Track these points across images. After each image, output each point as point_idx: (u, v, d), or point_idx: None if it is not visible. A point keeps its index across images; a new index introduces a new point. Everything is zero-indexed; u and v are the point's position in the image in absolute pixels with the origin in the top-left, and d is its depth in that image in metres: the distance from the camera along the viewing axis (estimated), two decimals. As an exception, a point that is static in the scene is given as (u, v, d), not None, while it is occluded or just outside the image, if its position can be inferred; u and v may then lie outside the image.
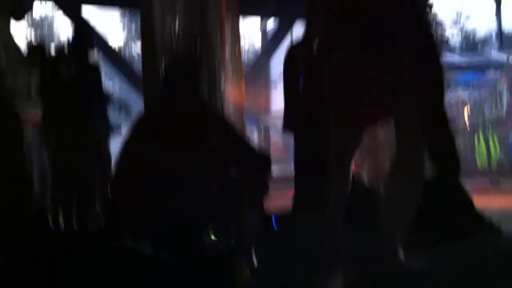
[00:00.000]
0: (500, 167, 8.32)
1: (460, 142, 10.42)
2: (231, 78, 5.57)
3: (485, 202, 4.75)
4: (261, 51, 9.77)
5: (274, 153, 10.53)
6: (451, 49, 28.38)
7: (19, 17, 3.31)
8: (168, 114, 2.45)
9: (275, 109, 11.51)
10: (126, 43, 37.38)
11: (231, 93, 5.54)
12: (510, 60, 15.50)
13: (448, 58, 25.94)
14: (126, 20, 33.54)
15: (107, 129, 5.52)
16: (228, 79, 5.48)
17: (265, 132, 11.85)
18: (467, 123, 11.73)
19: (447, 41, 28.26)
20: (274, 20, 8.81)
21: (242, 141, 2.51)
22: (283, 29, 8.32)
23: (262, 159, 2.48)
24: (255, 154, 2.50)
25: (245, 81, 6.14)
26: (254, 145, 2.54)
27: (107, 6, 8.40)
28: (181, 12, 4.66)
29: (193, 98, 2.50)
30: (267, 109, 11.19)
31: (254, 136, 11.00)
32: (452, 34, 28.73)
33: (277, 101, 10.78)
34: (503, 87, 13.38)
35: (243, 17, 8.75)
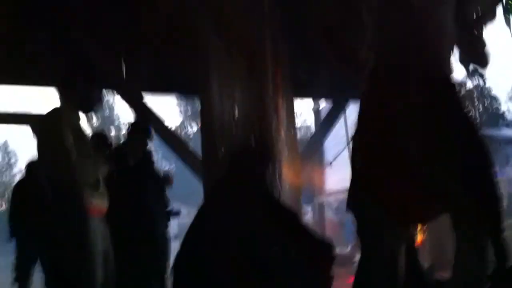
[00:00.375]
0: None
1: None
2: (288, 159, 5.67)
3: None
4: (315, 131, 9.90)
5: (328, 231, 10.48)
6: (509, 124, 27.89)
7: (88, 111, 3.41)
8: (233, 204, 2.49)
9: (329, 188, 11.55)
10: (182, 124, 38.40)
11: (288, 174, 5.64)
12: None
13: (506, 132, 25.45)
14: (182, 102, 34.67)
15: (166, 215, 5.66)
16: (284, 160, 5.59)
17: (320, 210, 11.87)
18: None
19: (503, 116, 27.80)
20: (327, 101, 8.96)
21: (305, 231, 2.51)
22: (336, 109, 8.44)
23: (325, 247, 2.46)
24: (318, 242, 2.49)
25: (301, 161, 6.23)
26: (316, 234, 2.53)
27: (167, 92, 8.75)
28: (240, 97, 4.85)
29: (259, 190, 2.55)
30: (321, 187, 11.22)
31: (309, 214, 10.99)
32: (509, 109, 28.34)
33: (331, 180, 10.80)
34: None
35: (297, 99, 8.95)
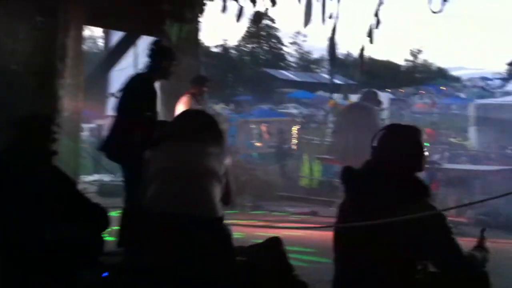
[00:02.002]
0: (319, 191, 8.31)
1: (289, 162, 11.00)
2: (71, 89, 5.50)
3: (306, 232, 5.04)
4: (102, 60, 9.60)
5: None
6: (287, 67, 29.73)
7: None
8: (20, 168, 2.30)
9: (110, 114, 11.79)
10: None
11: (70, 102, 5.49)
12: (337, 83, 16.35)
13: (284, 73, 27.17)
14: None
15: None
16: (68, 89, 5.41)
17: (100, 130, 12.24)
18: (296, 142, 12.45)
19: (284, 58, 29.52)
20: (117, 33, 8.64)
21: (81, 199, 2.46)
22: (126, 43, 8.23)
23: (99, 215, 2.44)
24: (93, 209, 2.46)
25: (84, 87, 6.06)
26: (91, 203, 2.48)
27: None
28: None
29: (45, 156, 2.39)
30: (103, 111, 11.39)
31: (89, 133, 11.08)
32: (289, 51, 30.05)
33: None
34: (330, 109, 14.44)
35: (87, 28, 8.57)
